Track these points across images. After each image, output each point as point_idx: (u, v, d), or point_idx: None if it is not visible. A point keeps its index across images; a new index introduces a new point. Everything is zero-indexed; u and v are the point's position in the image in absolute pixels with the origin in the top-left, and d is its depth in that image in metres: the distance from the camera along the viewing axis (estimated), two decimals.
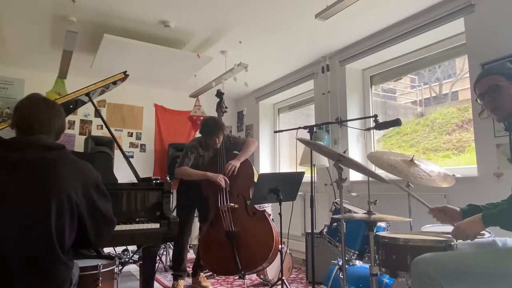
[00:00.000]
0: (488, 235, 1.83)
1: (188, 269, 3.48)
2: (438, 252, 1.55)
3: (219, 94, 3.53)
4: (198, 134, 3.40)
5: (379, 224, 2.34)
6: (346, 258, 2.41)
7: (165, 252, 4.39)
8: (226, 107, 3.53)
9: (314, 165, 2.79)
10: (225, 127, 3.29)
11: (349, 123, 3.75)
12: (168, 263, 4.21)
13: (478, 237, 1.49)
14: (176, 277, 3.27)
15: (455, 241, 1.59)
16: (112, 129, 3.07)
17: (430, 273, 1.42)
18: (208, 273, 3.64)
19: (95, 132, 5.38)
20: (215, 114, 3.51)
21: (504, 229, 1.42)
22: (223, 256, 2.95)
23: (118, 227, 2.17)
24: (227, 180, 3.06)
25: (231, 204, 3.05)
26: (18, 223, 1.33)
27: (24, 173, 1.36)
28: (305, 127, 2.65)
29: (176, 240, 3.13)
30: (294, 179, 2.84)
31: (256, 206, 3.01)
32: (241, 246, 2.94)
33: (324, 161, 4.03)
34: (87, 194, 1.48)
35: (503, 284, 1.36)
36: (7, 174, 1.35)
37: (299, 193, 3.55)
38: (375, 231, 1.82)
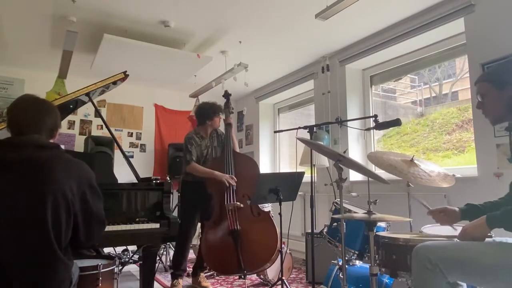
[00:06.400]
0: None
1: (188, 269, 3.48)
2: (440, 241, 1.56)
3: (227, 95, 3.60)
4: None
5: (379, 224, 2.34)
6: (346, 258, 2.41)
7: (165, 252, 4.39)
8: (233, 108, 3.61)
9: (314, 165, 2.79)
10: (221, 107, 3.45)
11: (349, 123, 3.74)
12: (168, 263, 4.21)
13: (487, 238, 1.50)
14: (175, 276, 3.26)
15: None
16: (112, 129, 3.07)
17: (432, 259, 1.43)
18: (208, 273, 3.64)
19: (95, 132, 5.38)
20: None
21: (509, 231, 1.42)
22: (226, 255, 2.95)
23: (118, 227, 2.18)
24: (235, 178, 3.11)
25: (237, 203, 3.06)
26: (15, 223, 1.33)
27: (18, 172, 1.37)
28: (305, 127, 2.65)
29: (180, 240, 3.14)
30: (294, 179, 2.83)
31: (260, 206, 3.02)
32: (244, 245, 2.94)
33: (324, 161, 4.03)
34: (81, 193, 1.48)
35: (504, 278, 1.35)
36: (1, 174, 1.36)
37: (299, 193, 3.55)
38: (375, 231, 1.82)
